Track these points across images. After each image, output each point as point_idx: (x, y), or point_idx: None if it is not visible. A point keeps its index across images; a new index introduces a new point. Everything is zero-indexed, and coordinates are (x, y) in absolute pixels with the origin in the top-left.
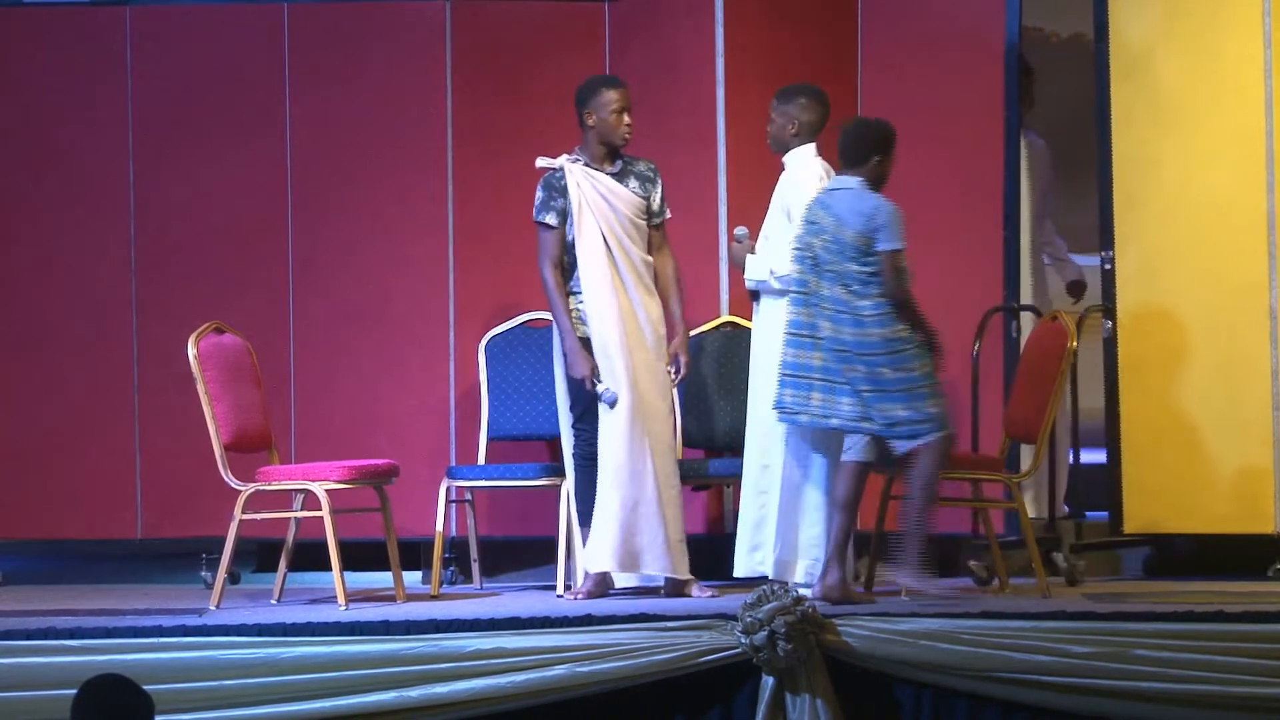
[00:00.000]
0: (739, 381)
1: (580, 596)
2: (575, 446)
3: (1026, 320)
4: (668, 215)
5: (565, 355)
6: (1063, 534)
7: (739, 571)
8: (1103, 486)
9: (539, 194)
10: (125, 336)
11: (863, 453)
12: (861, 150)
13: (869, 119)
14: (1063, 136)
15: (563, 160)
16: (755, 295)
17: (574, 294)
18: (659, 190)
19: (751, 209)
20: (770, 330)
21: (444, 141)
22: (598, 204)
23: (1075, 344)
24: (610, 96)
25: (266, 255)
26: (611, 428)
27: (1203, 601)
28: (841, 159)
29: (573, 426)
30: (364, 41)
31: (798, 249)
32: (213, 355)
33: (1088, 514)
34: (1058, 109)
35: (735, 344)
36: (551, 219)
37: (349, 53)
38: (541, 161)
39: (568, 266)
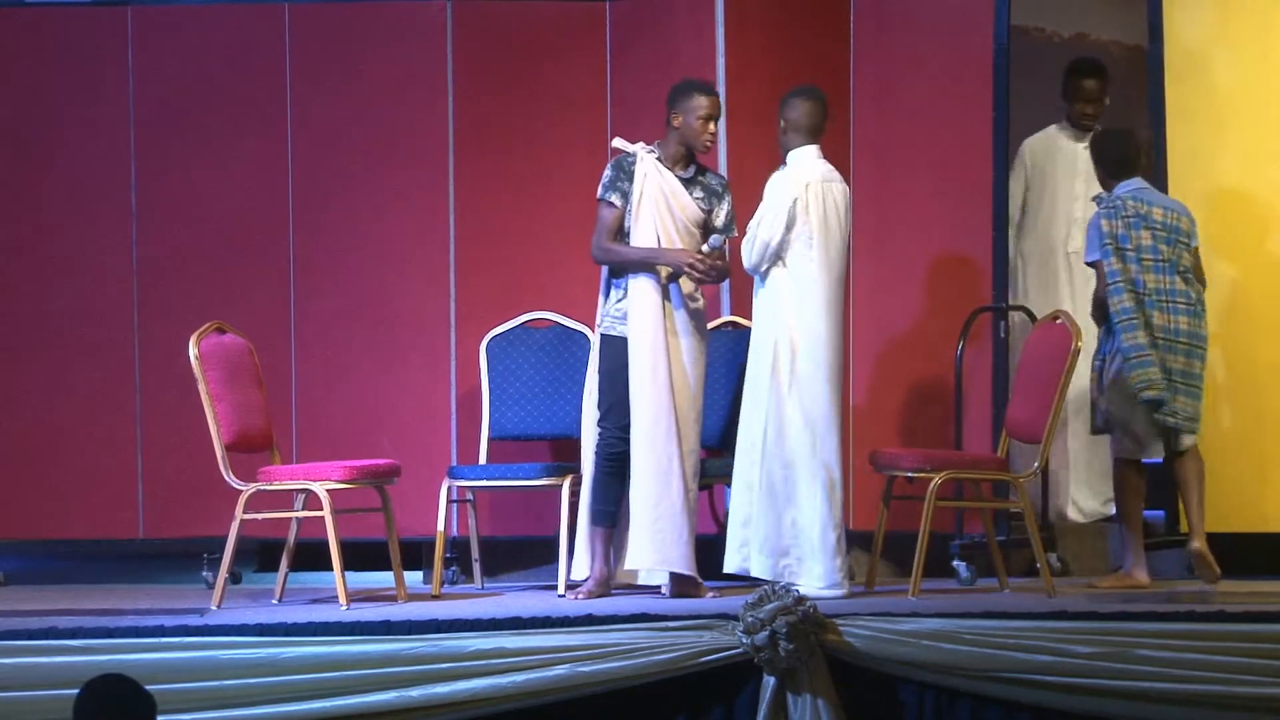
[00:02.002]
0: (739, 382)
1: (582, 596)
2: (597, 444)
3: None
4: (734, 234)
5: (668, 264)
6: (1056, 533)
7: (728, 568)
8: (1159, 486)
9: (607, 173)
10: (127, 336)
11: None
12: (1149, 161)
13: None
14: None
15: (639, 147)
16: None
17: (616, 288)
18: (726, 207)
19: (752, 209)
20: (761, 323)
21: (445, 140)
22: (658, 201)
23: (1080, 344)
24: (700, 102)
25: (268, 255)
26: (640, 427)
27: (1239, 601)
28: (1134, 167)
29: (598, 424)
30: (365, 41)
31: (1108, 242)
32: (214, 355)
33: (1144, 513)
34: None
35: (735, 344)
36: (616, 199)
37: (350, 52)
38: (618, 142)
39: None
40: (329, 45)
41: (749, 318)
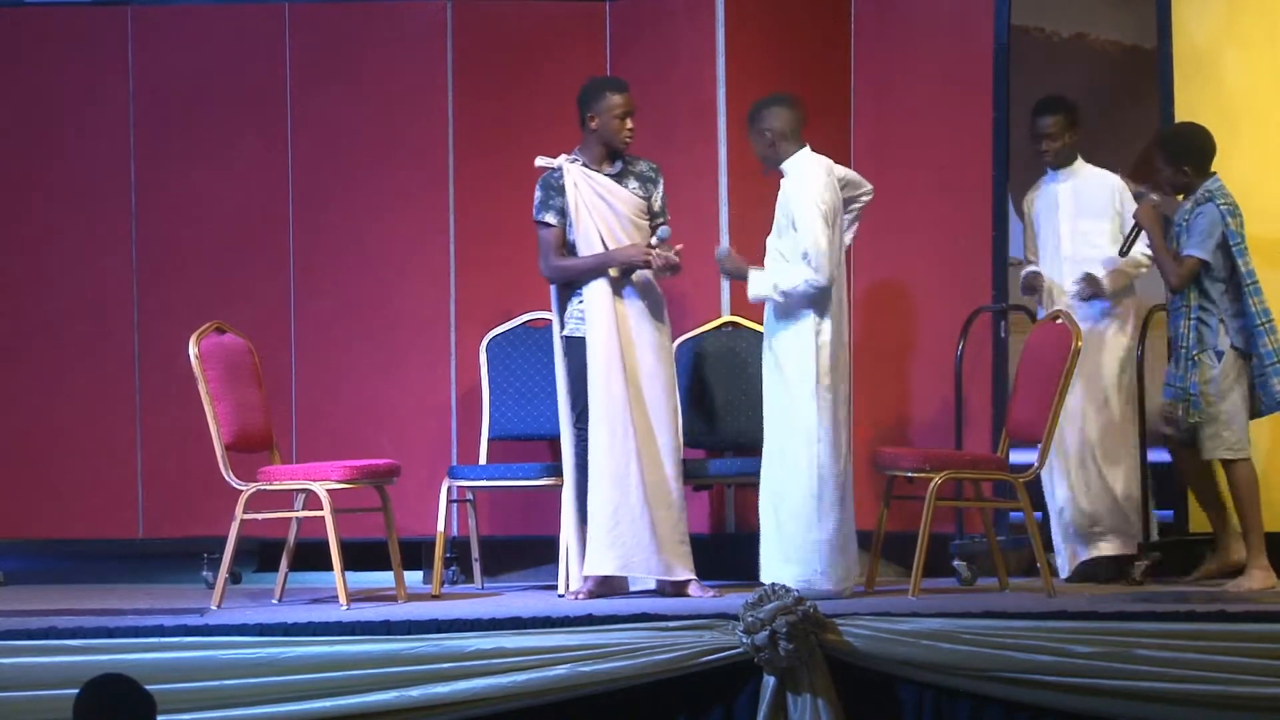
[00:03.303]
0: (739, 381)
1: (581, 597)
2: (575, 447)
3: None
4: (667, 216)
5: (621, 264)
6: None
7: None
8: (1169, 486)
9: (537, 193)
10: (126, 336)
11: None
12: None
13: None
14: None
15: (561, 160)
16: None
17: (575, 296)
18: (660, 191)
19: (752, 210)
20: (787, 328)
21: (445, 141)
22: (595, 205)
23: (1080, 344)
24: (614, 100)
25: (268, 255)
26: (597, 432)
27: (1255, 602)
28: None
29: (573, 427)
30: (364, 41)
31: (1239, 242)
32: (214, 355)
33: (1155, 513)
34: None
35: (735, 344)
36: (551, 218)
37: (350, 52)
38: (540, 161)
39: None
40: (329, 45)
41: (749, 318)
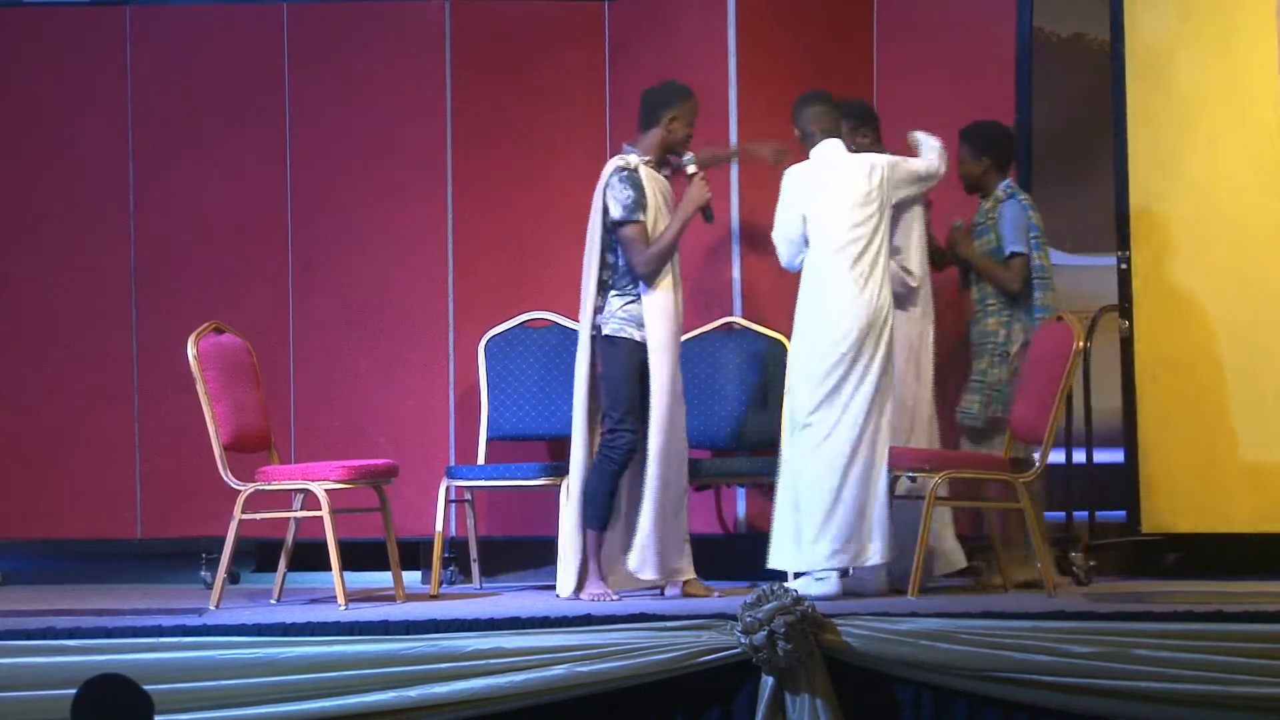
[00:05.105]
0: (739, 381)
1: (600, 597)
2: (614, 445)
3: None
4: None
5: (696, 208)
6: (1080, 534)
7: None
8: (1120, 486)
9: (629, 192)
10: (125, 336)
11: None
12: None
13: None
14: (1063, 136)
15: (635, 159)
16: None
17: (617, 294)
18: None
19: (761, 209)
20: (803, 333)
21: (443, 140)
22: (662, 206)
23: (1083, 344)
24: (694, 107)
25: (266, 255)
26: (657, 434)
27: (1211, 602)
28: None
29: (612, 429)
30: (364, 41)
31: (1036, 235)
32: (212, 355)
33: (1100, 513)
34: (1057, 109)
35: (736, 344)
36: (642, 215)
37: (349, 52)
38: (623, 160)
39: (619, 266)
40: (327, 45)
41: (755, 320)
